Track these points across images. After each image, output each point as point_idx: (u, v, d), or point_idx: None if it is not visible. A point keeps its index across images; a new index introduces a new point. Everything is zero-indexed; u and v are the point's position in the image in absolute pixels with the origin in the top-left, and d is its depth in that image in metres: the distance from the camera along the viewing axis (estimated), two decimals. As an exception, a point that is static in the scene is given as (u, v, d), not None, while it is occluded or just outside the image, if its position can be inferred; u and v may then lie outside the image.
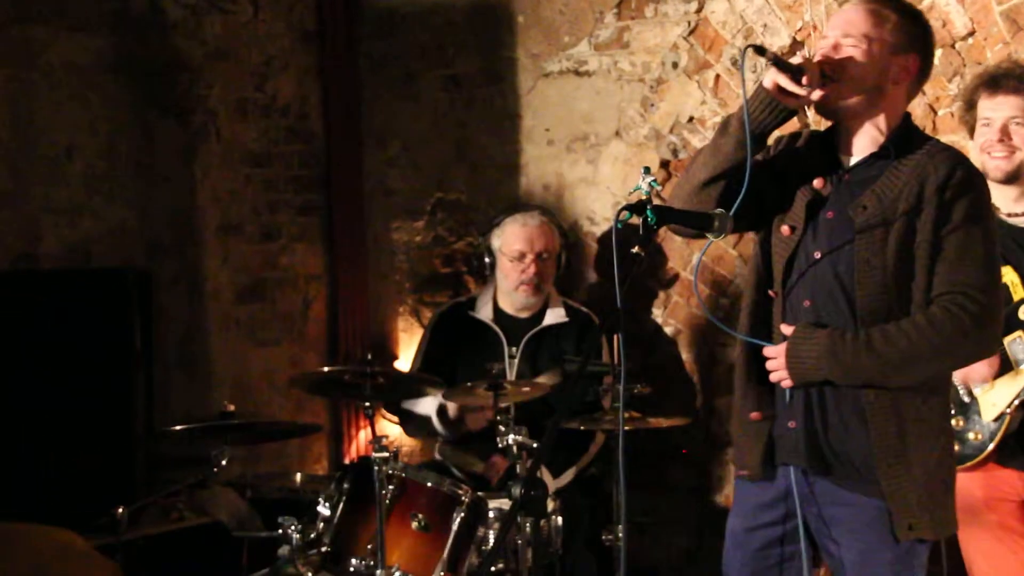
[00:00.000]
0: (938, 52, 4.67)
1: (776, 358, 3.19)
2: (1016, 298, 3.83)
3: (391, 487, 3.96)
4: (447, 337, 4.77)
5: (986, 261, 3.19)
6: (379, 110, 5.91)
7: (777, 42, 5.03)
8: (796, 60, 3.13)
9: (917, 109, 4.82)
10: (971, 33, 4.70)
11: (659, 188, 3.61)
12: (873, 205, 3.18)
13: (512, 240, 4.63)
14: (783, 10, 4.96)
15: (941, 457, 3.24)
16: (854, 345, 3.13)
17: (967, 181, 3.19)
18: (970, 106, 3.95)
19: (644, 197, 3.01)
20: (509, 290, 4.68)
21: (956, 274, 3.13)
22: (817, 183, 3.24)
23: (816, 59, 3.16)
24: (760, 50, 3.13)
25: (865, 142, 3.27)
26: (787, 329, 3.21)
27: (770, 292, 3.29)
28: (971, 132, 3.98)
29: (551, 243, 4.69)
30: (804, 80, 3.08)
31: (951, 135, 4.41)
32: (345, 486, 4.01)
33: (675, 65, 5.30)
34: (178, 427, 4.28)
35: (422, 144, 5.78)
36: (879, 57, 3.20)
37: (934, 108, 4.85)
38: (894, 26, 3.21)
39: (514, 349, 4.66)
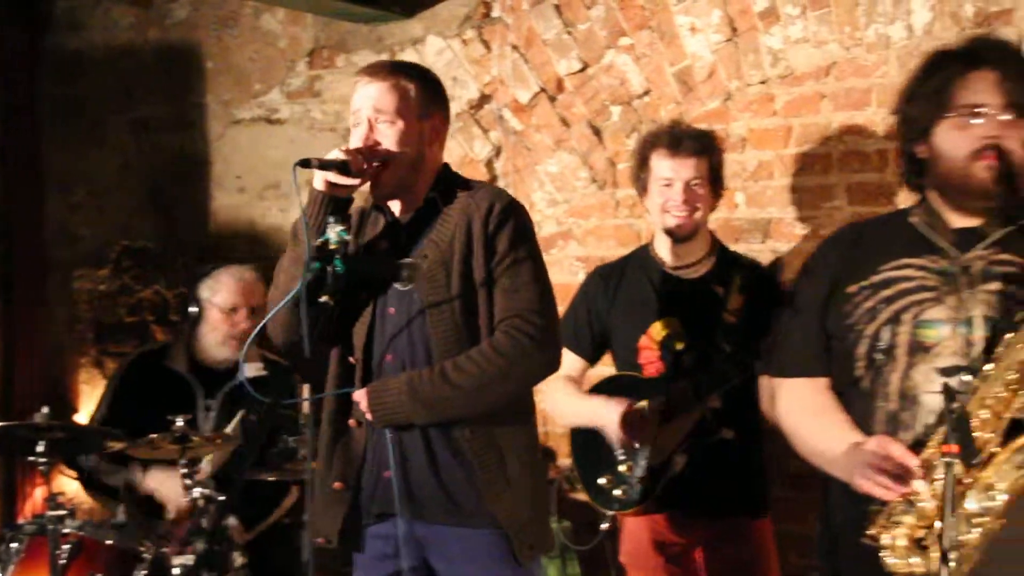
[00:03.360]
0: (617, 109, 4.87)
1: (359, 396, 3.25)
2: (679, 346, 3.98)
3: (67, 547, 3.72)
4: (136, 388, 4.50)
5: (536, 284, 3.31)
6: (63, 155, 5.71)
7: (467, 94, 5.05)
8: (337, 156, 3.15)
9: (599, 163, 4.99)
10: (647, 92, 4.84)
11: (348, 238, 3.62)
12: (432, 252, 3.28)
13: (226, 293, 4.44)
14: (472, 64, 5.03)
15: (537, 481, 3.37)
16: (430, 379, 3.20)
17: (506, 212, 3.32)
18: (643, 164, 4.04)
19: (333, 247, 3.07)
20: (215, 343, 4.46)
21: (511, 300, 3.24)
22: (382, 245, 3.35)
23: (356, 147, 3.20)
24: (305, 163, 3.14)
25: (414, 201, 3.36)
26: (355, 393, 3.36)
27: (350, 359, 3.35)
28: (642, 189, 4.08)
29: (260, 300, 4.50)
30: (352, 169, 3.15)
31: (628, 187, 4.53)
32: (14, 546, 3.76)
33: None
34: None
35: (108, 190, 5.67)
36: (413, 129, 3.30)
37: (614, 162, 4.94)
38: (416, 94, 3.32)
39: (211, 402, 4.46)
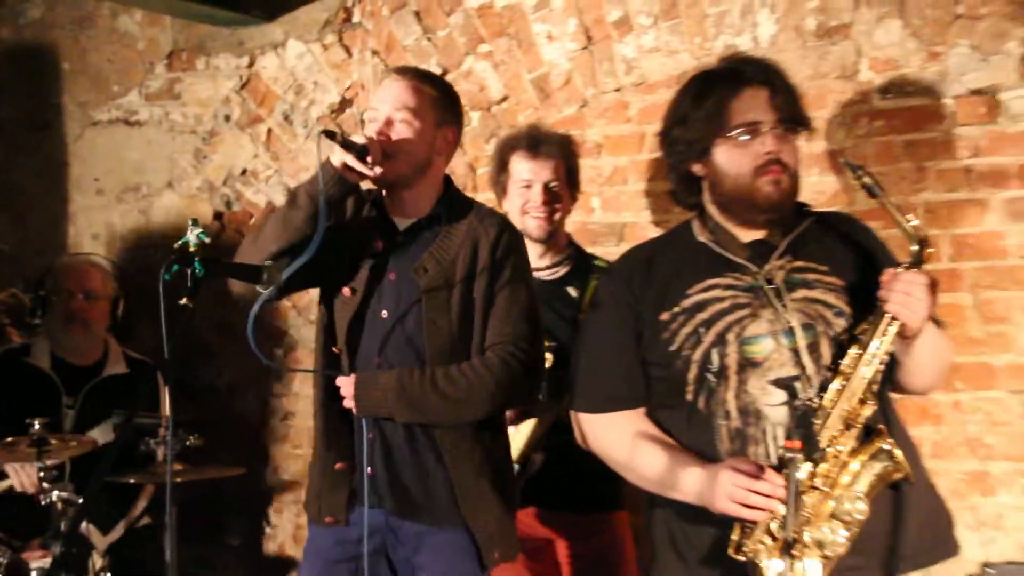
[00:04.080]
0: (476, 115, 4.94)
1: (345, 383, 3.31)
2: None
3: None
4: None
5: (531, 316, 3.41)
6: (-87, 156, 5.71)
7: (327, 99, 5.07)
8: (360, 140, 3.23)
9: (459, 168, 5.03)
10: (505, 98, 4.90)
11: (207, 240, 3.58)
12: (433, 267, 3.34)
13: (60, 278, 4.45)
14: (332, 68, 5.04)
15: (511, 492, 3.46)
16: (420, 382, 3.26)
17: (514, 243, 3.43)
18: (503, 167, 4.11)
19: (192, 249, 3.03)
20: (59, 329, 4.44)
21: (506, 327, 3.33)
22: (377, 245, 3.38)
23: (376, 138, 3.27)
24: (330, 134, 3.20)
25: (416, 207, 3.41)
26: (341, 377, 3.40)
27: (334, 349, 3.38)
28: (502, 192, 4.15)
29: (96, 284, 4.51)
30: (369, 159, 3.21)
31: (489, 192, 4.55)
32: None
33: (228, 118, 5.31)
34: None
35: (-40, 192, 5.68)
36: (428, 133, 3.36)
37: (473, 167, 5.02)
38: (435, 101, 3.39)
39: (72, 399, 4.44)
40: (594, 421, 3.14)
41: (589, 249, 4.34)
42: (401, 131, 3.34)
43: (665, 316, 3.00)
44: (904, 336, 2.88)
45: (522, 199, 4.03)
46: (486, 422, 3.45)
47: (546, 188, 4.02)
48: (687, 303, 2.98)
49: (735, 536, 2.81)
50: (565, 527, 4.05)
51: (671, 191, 3.23)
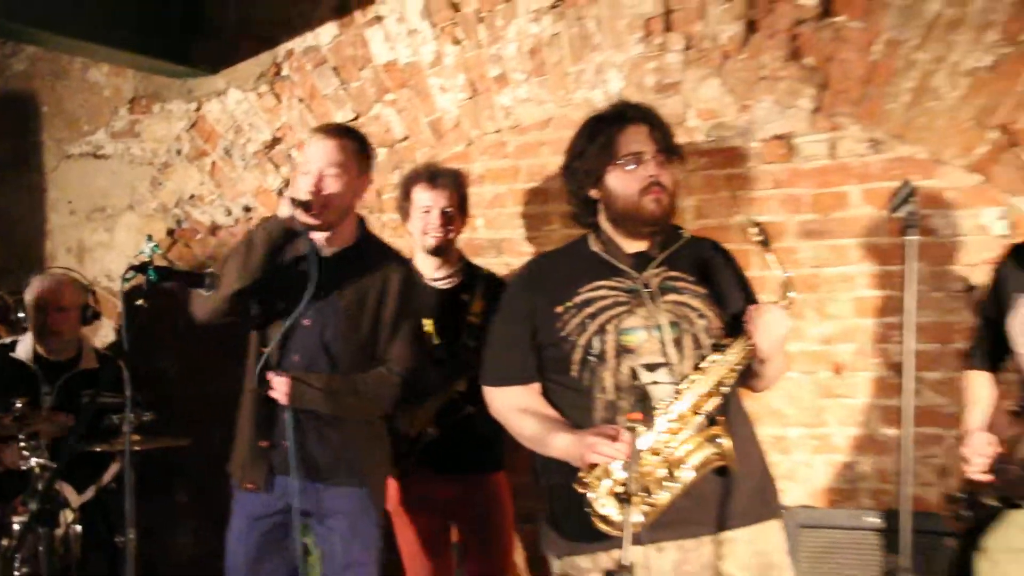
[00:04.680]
0: (383, 151, 5.28)
1: (281, 383, 3.67)
2: (435, 342, 4.35)
3: None
4: None
5: (418, 342, 3.94)
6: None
7: (261, 137, 5.40)
8: (305, 196, 3.60)
9: (368, 194, 4.97)
10: (406, 138, 5.26)
11: (161, 252, 3.98)
12: (351, 292, 3.75)
13: (34, 293, 4.73)
14: (265, 112, 5.34)
15: (386, 457, 3.95)
16: (343, 385, 3.72)
17: (414, 284, 3.94)
18: (406, 195, 4.40)
19: (147, 259, 3.43)
20: (36, 337, 4.73)
21: (403, 349, 3.82)
22: (306, 269, 3.70)
23: (313, 194, 3.61)
24: (295, 202, 3.59)
25: (339, 239, 3.79)
26: (276, 376, 3.70)
27: (262, 349, 3.74)
28: (405, 215, 4.44)
29: (66, 299, 4.78)
30: (311, 208, 3.59)
31: (392, 212, 5.02)
32: None
33: (179, 152, 5.60)
34: None
35: (-40, 215, 5.81)
36: (352, 183, 3.76)
37: (380, 194, 5.38)
38: (356, 155, 3.77)
39: (50, 388, 4.73)
40: (495, 392, 3.34)
41: (474, 260, 4.64)
42: (332, 185, 3.68)
43: (559, 309, 3.19)
44: (758, 357, 3.14)
45: (422, 222, 4.31)
46: (374, 413, 3.92)
47: (442, 213, 4.30)
48: (578, 300, 3.19)
49: (583, 476, 3.01)
50: (455, 486, 4.34)
51: (572, 213, 3.43)
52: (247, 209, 5.55)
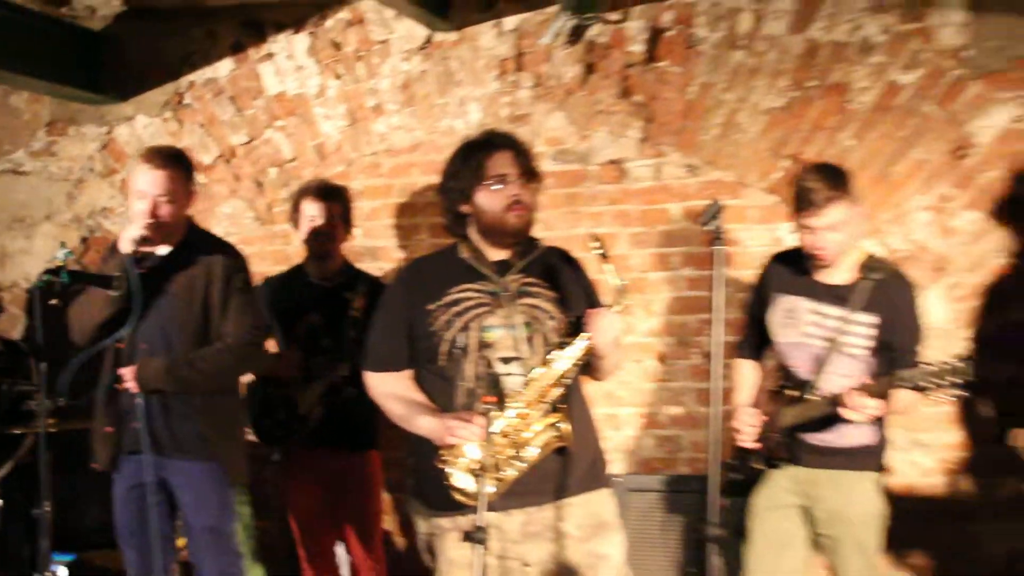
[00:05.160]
0: (274, 170, 5.45)
1: (127, 376, 3.76)
2: (322, 334, 4.49)
3: None
4: None
5: (255, 314, 4.00)
6: None
7: None
8: (142, 232, 3.70)
9: (260, 207, 5.53)
10: (294, 158, 5.43)
11: (74, 257, 3.96)
12: (182, 281, 3.86)
13: None
14: (169, 136, 5.49)
15: (241, 433, 4.09)
16: (184, 363, 3.77)
17: (239, 264, 3.99)
18: (296, 207, 4.57)
19: (61, 264, 3.53)
20: None
21: (236, 323, 3.89)
22: (143, 267, 3.77)
23: (149, 225, 3.72)
24: (136, 241, 3.68)
25: (170, 240, 3.89)
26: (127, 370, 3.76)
27: (118, 344, 3.82)
28: (295, 225, 4.59)
29: None
30: (150, 238, 3.72)
31: (283, 223, 5.20)
32: None
33: (92, 170, 5.71)
34: None
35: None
36: (182, 201, 3.88)
37: (271, 207, 5.49)
38: (182, 176, 3.88)
39: None
40: (373, 376, 3.40)
41: (356, 265, 4.79)
42: (165, 209, 3.80)
43: (431, 307, 3.29)
44: (596, 352, 3.24)
45: (310, 232, 4.49)
46: (224, 387, 3.97)
47: (327, 224, 4.48)
48: (447, 299, 3.28)
49: (443, 454, 3.16)
50: (333, 460, 4.50)
51: (445, 225, 3.49)
52: (154, 220, 5.50)
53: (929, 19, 4.68)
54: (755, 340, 4.05)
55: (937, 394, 3.43)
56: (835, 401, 3.61)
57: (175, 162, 3.87)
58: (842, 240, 3.68)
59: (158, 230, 3.75)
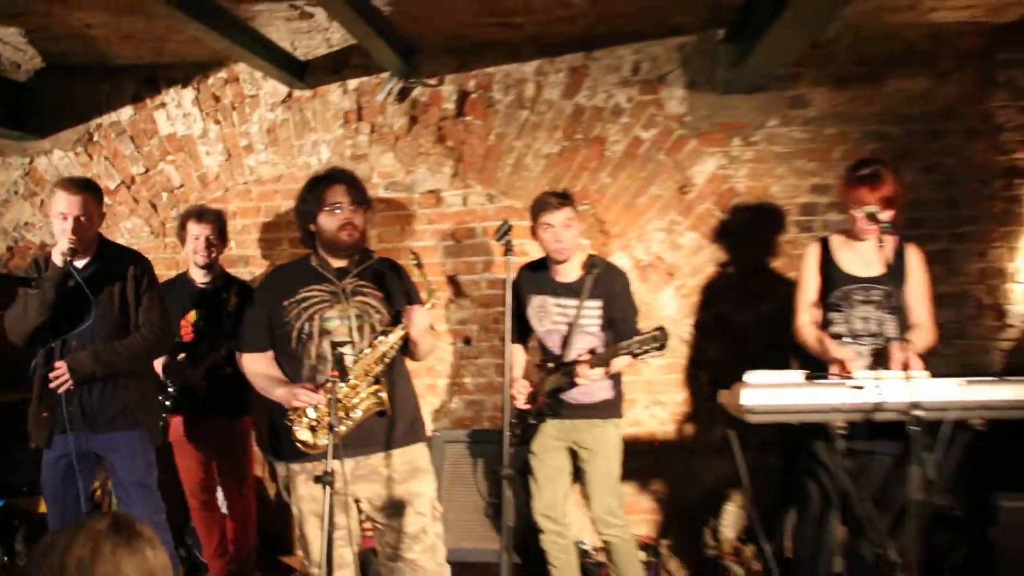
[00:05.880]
0: (166, 194, 5.49)
1: (61, 368, 3.81)
2: (202, 324, 4.59)
3: None
4: None
5: (162, 308, 3.99)
6: None
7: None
8: (71, 246, 3.74)
9: (155, 224, 5.60)
10: (182, 186, 5.60)
11: (2, 263, 4.09)
12: (101, 284, 3.90)
13: None
14: (80, 166, 5.66)
15: (154, 404, 4.07)
16: (107, 349, 3.82)
17: (146, 267, 3.98)
18: (182, 227, 4.74)
19: None
20: None
21: (148, 315, 3.92)
22: (69, 280, 3.81)
23: (73, 241, 3.75)
24: (67, 253, 3.71)
25: (88, 253, 3.91)
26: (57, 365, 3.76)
27: (52, 344, 3.87)
28: (182, 241, 4.73)
29: None
30: (79, 253, 3.77)
31: (173, 237, 5.27)
32: None
33: (16, 192, 5.80)
34: None
35: None
36: (96, 220, 3.92)
37: (164, 223, 5.56)
38: (95, 199, 3.92)
39: None
40: (244, 357, 3.55)
41: (230, 270, 5.03)
42: (85, 228, 3.82)
43: (286, 303, 3.45)
44: (411, 338, 3.40)
45: (194, 246, 4.69)
46: (142, 368, 4.01)
47: (207, 240, 4.70)
48: (298, 297, 3.44)
49: (291, 415, 3.33)
50: (210, 426, 4.71)
51: (300, 239, 3.60)
52: (66, 233, 5.24)
53: (661, 93, 5.22)
54: (520, 330, 4.32)
55: (645, 357, 3.70)
56: (572, 371, 3.90)
57: (89, 188, 3.87)
58: (571, 238, 4.02)
59: (80, 243, 3.79)
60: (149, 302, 3.94)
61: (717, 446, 5.11)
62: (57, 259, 3.69)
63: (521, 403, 4.13)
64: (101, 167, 5.65)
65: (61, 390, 3.74)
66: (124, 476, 3.86)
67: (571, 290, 4.07)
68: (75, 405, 3.80)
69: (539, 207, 4.03)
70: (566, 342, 4.03)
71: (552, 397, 4.06)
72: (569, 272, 4.11)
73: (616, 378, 4.10)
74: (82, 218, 3.77)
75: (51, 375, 3.76)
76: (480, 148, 5.27)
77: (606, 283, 4.04)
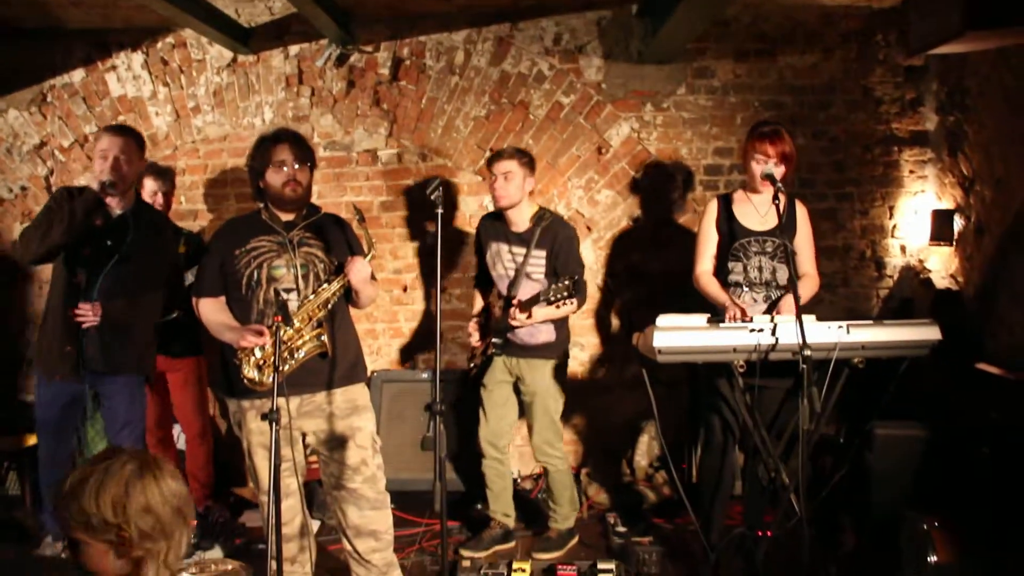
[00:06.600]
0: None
1: (96, 310, 3.82)
2: None
3: None
4: None
5: (181, 280, 4.18)
6: None
7: (31, 142, 5.61)
8: (111, 178, 3.79)
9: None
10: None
11: None
12: (135, 235, 3.88)
13: None
14: (35, 126, 5.68)
15: (154, 350, 4.10)
16: (135, 309, 3.84)
17: (177, 230, 4.21)
18: (139, 180, 4.52)
19: None
20: None
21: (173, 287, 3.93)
22: (99, 223, 3.85)
23: (112, 172, 3.82)
24: (104, 183, 3.76)
25: (124, 203, 3.99)
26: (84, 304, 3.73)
27: (75, 280, 3.88)
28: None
29: None
30: (117, 188, 3.85)
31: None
32: None
33: None
34: None
35: None
36: (136, 165, 3.95)
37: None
38: (137, 144, 3.95)
39: None
40: (200, 302, 3.57)
41: (180, 223, 5.10)
42: (124, 166, 3.90)
43: (237, 252, 3.47)
44: (352, 287, 3.44)
45: (152, 200, 4.74)
46: (146, 317, 3.98)
47: (163, 194, 4.79)
48: (248, 247, 3.48)
49: (240, 355, 3.38)
50: (172, 364, 4.83)
51: (252, 194, 3.64)
52: (23, 189, 5.78)
53: (580, 62, 5.42)
54: (482, 276, 4.52)
55: (561, 304, 3.93)
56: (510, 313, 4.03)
57: (131, 134, 3.94)
58: (510, 188, 4.19)
59: (120, 185, 3.85)
60: (170, 269, 3.99)
61: (631, 384, 5.34)
62: (94, 184, 3.75)
63: (474, 340, 4.36)
64: (55, 126, 5.65)
65: (86, 325, 3.81)
66: (124, 416, 3.98)
67: (522, 239, 4.23)
68: (96, 346, 3.88)
69: (491, 158, 4.28)
70: (511, 286, 4.21)
71: (498, 336, 4.22)
72: (521, 222, 4.26)
73: (562, 323, 4.27)
74: (122, 158, 3.86)
75: (78, 312, 3.79)
76: (413, 111, 5.41)
77: (551, 235, 4.20)
